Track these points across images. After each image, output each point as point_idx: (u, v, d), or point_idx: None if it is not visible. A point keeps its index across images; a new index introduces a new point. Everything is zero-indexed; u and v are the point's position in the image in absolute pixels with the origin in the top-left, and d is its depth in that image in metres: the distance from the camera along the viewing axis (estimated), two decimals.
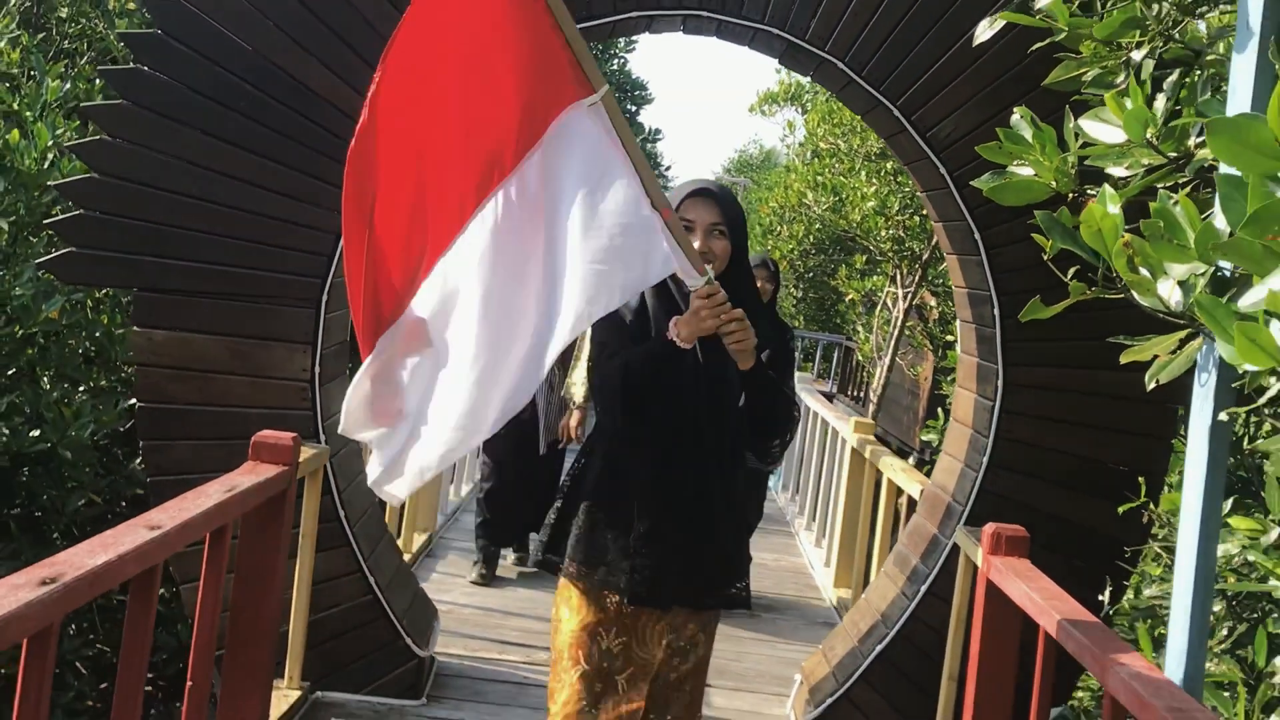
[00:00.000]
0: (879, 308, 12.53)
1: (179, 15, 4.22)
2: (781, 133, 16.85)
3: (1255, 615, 3.61)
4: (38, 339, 7.28)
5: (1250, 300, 2.01)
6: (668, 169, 17.39)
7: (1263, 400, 2.17)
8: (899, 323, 11.26)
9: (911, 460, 10.18)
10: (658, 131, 15.72)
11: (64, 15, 9.75)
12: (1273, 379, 2.27)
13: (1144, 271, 2.41)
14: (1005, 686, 3.44)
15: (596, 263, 2.58)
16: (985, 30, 3.14)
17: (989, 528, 3.40)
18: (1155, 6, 2.85)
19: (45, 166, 6.98)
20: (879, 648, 4.62)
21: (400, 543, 6.30)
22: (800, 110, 13.84)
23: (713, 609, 3.11)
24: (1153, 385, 2.45)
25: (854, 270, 13.65)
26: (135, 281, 4.30)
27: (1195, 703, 2.38)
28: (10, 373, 7.13)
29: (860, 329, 14.31)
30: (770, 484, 7.61)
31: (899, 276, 11.26)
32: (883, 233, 11.12)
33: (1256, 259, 1.95)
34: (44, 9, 9.69)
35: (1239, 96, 2.42)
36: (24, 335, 7.02)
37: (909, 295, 11.09)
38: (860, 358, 14.93)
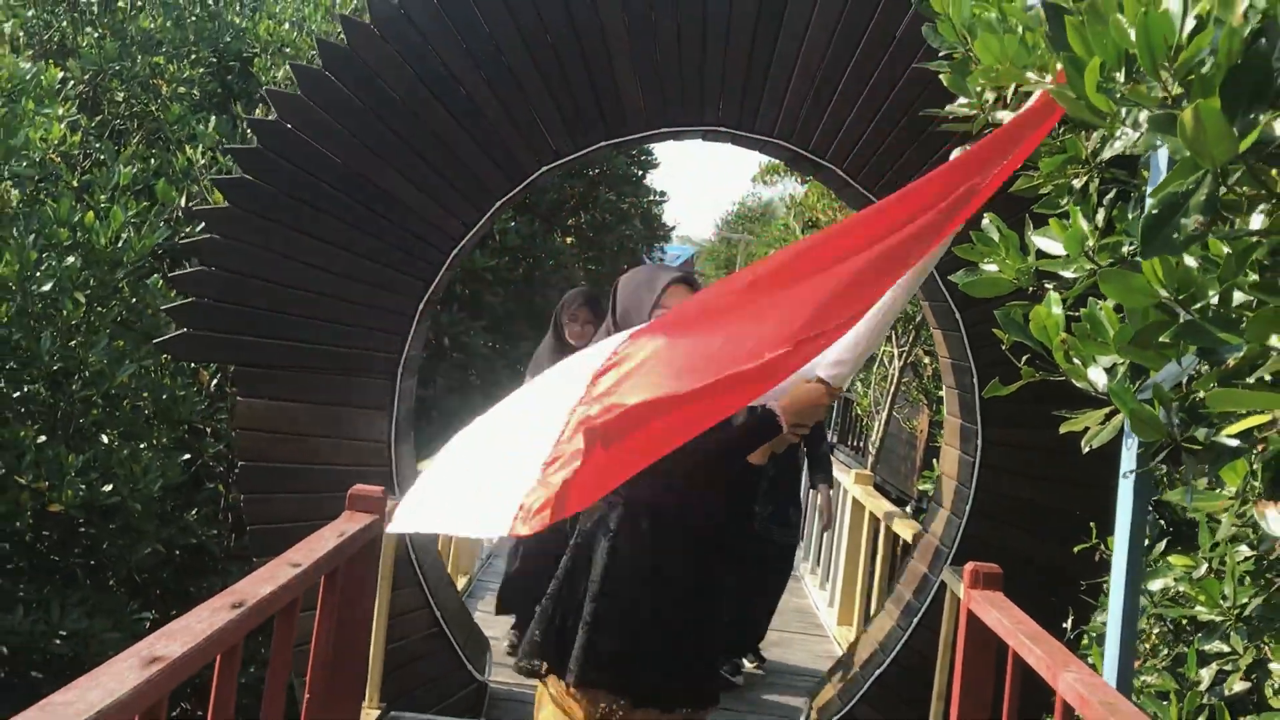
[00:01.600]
0: (876, 364, 13.18)
1: (276, 134, 4.96)
2: (781, 193, 17.51)
3: (1190, 638, 4.26)
4: (96, 400, 7.91)
5: (1146, 389, 2.71)
6: (672, 228, 18.03)
7: (1154, 463, 2.84)
8: (895, 379, 11.89)
9: (909, 508, 10.75)
10: (663, 194, 16.38)
11: (119, 99, 10.46)
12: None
13: (1077, 361, 3.10)
14: (984, 701, 4.06)
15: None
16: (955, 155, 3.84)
17: (969, 566, 3.96)
18: (1095, 139, 3.55)
19: (118, 245, 7.67)
20: (877, 672, 5.25)
21: None
22: (800, 182, 14.60)
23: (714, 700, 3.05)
24: (1088, 449, 3.13)
25: None
26: (239, 358, 4.98)
27: (1123, 698, 3.02)
28: (76, 431, 7.77)
29: (859, 384, 14.97)
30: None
31: (894, 336, 11.90)
32: None
33: (1152, 359, 2.65)
34: (99, 92, 10.42)
35: None
36: (90, 397, 7.67)
37: (904, 354, 11.72)
38: (859, 410, 15.53)
